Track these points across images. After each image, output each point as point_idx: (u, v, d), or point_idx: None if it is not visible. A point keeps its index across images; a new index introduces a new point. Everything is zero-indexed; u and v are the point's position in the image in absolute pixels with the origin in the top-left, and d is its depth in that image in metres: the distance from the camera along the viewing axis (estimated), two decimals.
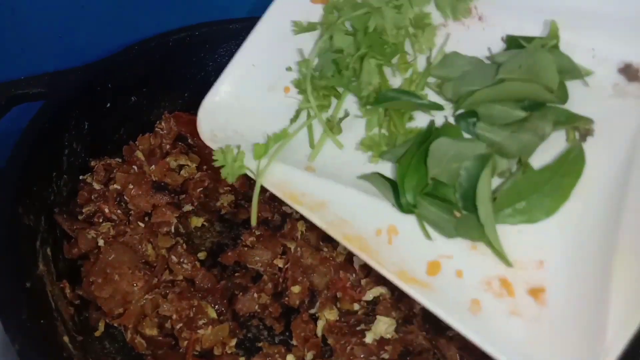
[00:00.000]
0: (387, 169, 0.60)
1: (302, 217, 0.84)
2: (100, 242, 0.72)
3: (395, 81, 0.64)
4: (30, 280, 0.63)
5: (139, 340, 0.69)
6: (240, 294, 0.75)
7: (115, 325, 0.72)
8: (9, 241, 0.62)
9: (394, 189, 0.55)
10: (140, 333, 0.69)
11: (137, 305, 0.69)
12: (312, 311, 0.75)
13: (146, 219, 0.77)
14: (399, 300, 0.76)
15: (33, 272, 0.65)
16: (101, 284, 0.69)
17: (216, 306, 0.73)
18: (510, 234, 0.53)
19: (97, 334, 0.71)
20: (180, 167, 0.84)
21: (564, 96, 0.57)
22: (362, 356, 0.70)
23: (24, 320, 0.56)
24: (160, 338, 0.70)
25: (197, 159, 0.85)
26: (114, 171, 0.79)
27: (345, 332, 0.73)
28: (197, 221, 0.83)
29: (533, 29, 0.60)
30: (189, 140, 0.89)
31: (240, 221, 0.85)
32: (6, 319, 0.55)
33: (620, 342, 0.45)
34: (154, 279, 0.71)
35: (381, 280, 0.77)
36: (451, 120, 0.60)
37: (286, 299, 0.75)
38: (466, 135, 0.57)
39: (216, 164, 0.59)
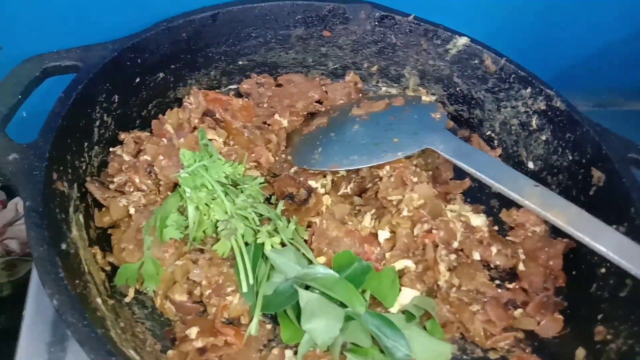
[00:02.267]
0: None
1: (327, 192, 0.85)
2: (132, 210, 0.73)
3: None
4: (65, 242, 0.65)
5: (168, 306, 0.71)
6: None
7: (144, 292, 0.74)
8: (45, 205, 0.63)
9: None
10: (170, 299, 0.71)
11: (167, 272, 0.70)
12: None
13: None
14: (424, 273, 0.77)
15: (67, 235, 0.67)
16: (132, 250, 0.70)
17: None
18: None
19: (126, 299, 0.72)
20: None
21: None
22: None
23: (60, 278, 0.57)
24: (189, 304, 0.71)
25: (224, 134, 0.86)
26: (144, 143, 0.81)
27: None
28: None
29: None
30: (217, 115, 0.90)
31: (265, 196, 0.86)
32: (45, 276, 0.57)
33: None
34: (184, 246, 0.72)
35: (405, 254, 0.77)
36: None
37: None
38: None
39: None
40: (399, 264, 0.76)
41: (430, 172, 0.87)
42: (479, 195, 0.93)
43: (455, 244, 0.77)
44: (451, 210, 0.81)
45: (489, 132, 1.02)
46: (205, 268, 0.70)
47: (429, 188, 0.79)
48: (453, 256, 0.77)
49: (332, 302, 0.68)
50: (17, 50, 0.82)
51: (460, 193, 0.90)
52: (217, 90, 1.00)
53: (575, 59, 1.31)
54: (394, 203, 0.79)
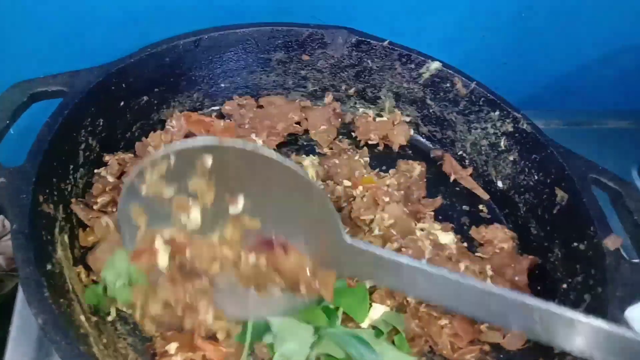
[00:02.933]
0: None
1: None
2: (111, 225, 0.76)
3: None
4: (50, 263, 0.68)
5: (147, 322, 0.74)
6: None
7: (124, 310, 0.76)
8: (31, 227, 0.66)
9: None
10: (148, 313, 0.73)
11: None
12: None
13: None
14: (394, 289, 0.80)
15: (53, 256, 0.70)
16: None
17: None
18: None
19: (110, 317, 0.75)
20: None
21: None
22: None
23: (45, 298, 0.60)
24: (167, 318, 0.73)
25: None
26: (127, 165, 0.84)
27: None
28: None
29: None
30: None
31: None
32: (31, 296, 0.60)
33: None
34: None
35: None
36: None
37: None
38: None
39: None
40: (370, 281, 0.80)
41: (402, 192, 0.91)
42: (450, 213, 0.98)
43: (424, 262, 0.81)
44: (421, 229, 0.85)
45: (460, 152, 1.06)
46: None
47: (399, 208, 0.83)
48: None
49: (301, 323, 0.72)
50: (3, 75, 0.85)
51: (431, 211, 0.94)
52: (199, 112, 1.03)
53: (548, 80, 1.36)
54: (367, 222, 0.83)
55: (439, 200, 0.96)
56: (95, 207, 0.80)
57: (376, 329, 0.74)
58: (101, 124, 0.87)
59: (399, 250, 0.81)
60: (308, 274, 0.61)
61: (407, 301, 0.79)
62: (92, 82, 0.86)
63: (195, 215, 0.59)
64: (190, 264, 0.61)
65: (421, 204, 0.94)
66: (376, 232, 0.82)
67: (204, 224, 0.60)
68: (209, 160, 0.55)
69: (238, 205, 0.59)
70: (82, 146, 0.84)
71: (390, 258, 0.60)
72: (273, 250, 0.61)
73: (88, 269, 0.77)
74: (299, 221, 0.61)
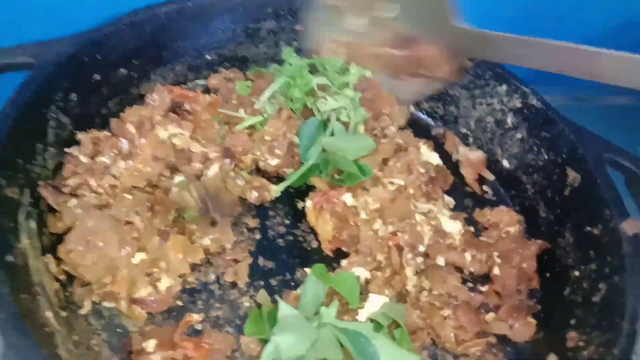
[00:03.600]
0: None
1: None
2: (78, 211, 0.70)
3: None
4: (11, 254, 0.61)
5: (137, 309, 0.68)
6: None
7: (105, 303, 0.70)
8: None
9: None
10: (136, 299, 0.68)
11: (124, 273, 0.67)
12: None
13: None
14: (392, 277, 0.75)
15: (14, 246, 0.63)
16: (82, 252, 0.66)
17: None
18: None
19: (83, 311, 0.69)
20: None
21: None
22: None
23: (2, 295, 0.54)
24: (158, 298, 0.68)
25: (190, 126, 0.82)
26: (102, 144, 0.77)
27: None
28: None
29: None
30: (186, 106, 0.86)
31: None
32: None
33: None
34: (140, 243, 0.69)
35: (369, 257, 0.76)
36: None
37: None
38: None
39: None
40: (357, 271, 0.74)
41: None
42: (452, 195, 0.90)
43: (422, 248, 0.75)
44: (421, 213, 0.78)
45: (464, 130, 0.99)
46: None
47: (385, 191, 0.78)
48: (420, 259, 0.75)
49: (308, 321, 0.66)
50: None
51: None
52: (182, 86, 0.96)
53: None
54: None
55: (450, 178, 0.90)
56: (65, 190, 0.73)
57: (375, 323, 0.68)
58: (74, 99, 0.80)
59: (393, 234, 0.75)
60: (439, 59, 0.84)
61: (407, 290, 0.73)
62: (63, 53, 0.79)
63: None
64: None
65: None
66: (363, 216, 0.76)
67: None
68: None
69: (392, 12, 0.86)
70: (52, 124, 0.77)
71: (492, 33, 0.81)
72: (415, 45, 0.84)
73: (59, 258, 0.71)
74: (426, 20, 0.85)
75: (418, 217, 0.78)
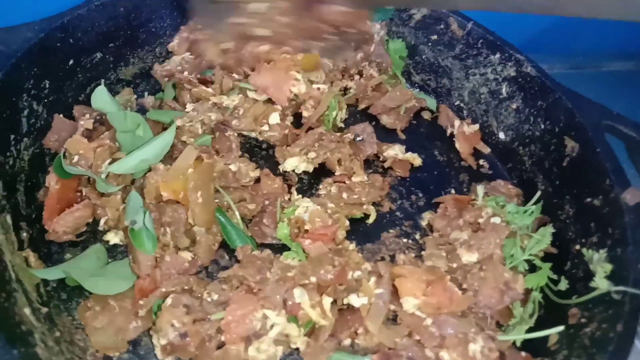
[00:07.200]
0: None
1: None
2: None
3: None
4: None
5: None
6: None
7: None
8: None
9: None
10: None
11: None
12: None
13: None
14: None
15: None
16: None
17: None
18: None
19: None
20: None
21: None
22: None
23: None
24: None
25: None
26: None
27: None
28: None
29: None
30: None
31: None
32: None
33: None
34: None
35: None
36: None
37: None
38: None
39: None
40: None
41: None
42: (448, 170, 0.87)
43: None
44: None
45: (457, 102, 0.96)
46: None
47: None
48: None
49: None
50: None
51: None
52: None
53: (551, 21, 1.25)
54: None
55: None
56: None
57: None
58: (47, 86, 0.77)
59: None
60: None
61: None
62: (33, 38, 0.75)
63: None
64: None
65: None
66: None
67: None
68: None
69: None
70: (25, 113, 0.73)
71: None
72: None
73: (38, 251, 0.68)
74: None
75: None
